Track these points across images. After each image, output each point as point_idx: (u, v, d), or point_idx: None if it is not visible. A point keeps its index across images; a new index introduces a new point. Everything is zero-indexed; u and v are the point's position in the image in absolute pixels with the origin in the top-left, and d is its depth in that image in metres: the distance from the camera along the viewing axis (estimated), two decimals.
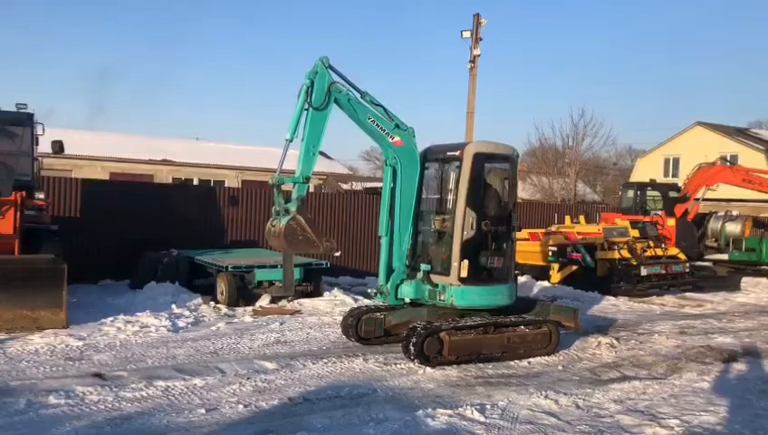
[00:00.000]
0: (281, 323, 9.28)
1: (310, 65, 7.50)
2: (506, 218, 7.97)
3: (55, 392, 5.72)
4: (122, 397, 5.75)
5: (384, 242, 8.13)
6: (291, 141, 7.41)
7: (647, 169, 33.43)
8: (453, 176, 7.99)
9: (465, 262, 7.62)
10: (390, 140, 7.90)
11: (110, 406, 5.53)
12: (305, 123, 7.44)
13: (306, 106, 7.40)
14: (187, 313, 9.46)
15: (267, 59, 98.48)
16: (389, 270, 8.04)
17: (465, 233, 7.58)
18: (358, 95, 7.74)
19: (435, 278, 7.74)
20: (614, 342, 8.75)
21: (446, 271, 7.65)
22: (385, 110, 7.92)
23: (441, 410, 5.57)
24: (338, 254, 9.99)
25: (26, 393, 5.70)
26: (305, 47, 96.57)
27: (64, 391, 5.76)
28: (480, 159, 7.87)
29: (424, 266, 7.82)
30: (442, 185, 8.36)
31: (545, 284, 14.44)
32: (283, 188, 7.53)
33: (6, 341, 7.52)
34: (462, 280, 7.58)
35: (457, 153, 7.80)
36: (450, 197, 8.04)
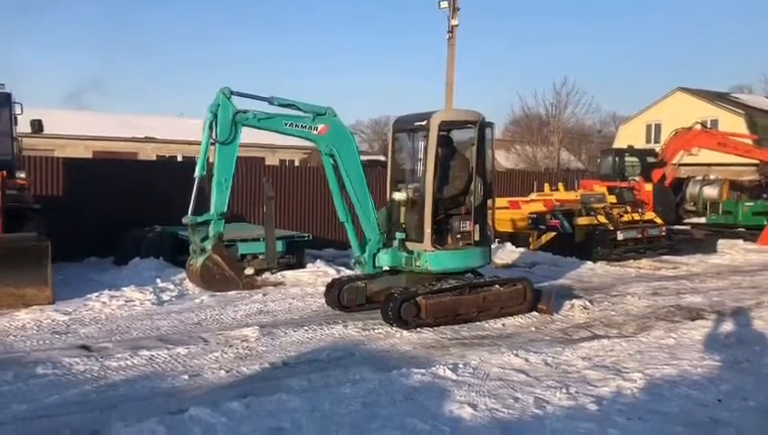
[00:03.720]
0: (264, 295, 9.47)
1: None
2: (477, 183, 8.16)
3: (42, 364, 5.90)
4: (108, 366, 5.95)
5: (347, 226, 8.30)
6: (202, 178, 7.30)
7: (629, 136, 33.65)
8: (421, 145, 8.17)
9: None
10: (315, 132, 7.92)
11: (96, 375, 5.73)
12: (214, 157, 7.32)
13: (212, 141, 7.30)
14: (171, 286, 9.62)
15: (248, 35, 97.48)
16: (363, 243, 8.24)
17: (435, 200, 7.79)
18: (266, 105, 7.62)
19: (409, 245, 7.99)
20: (587, 303, 9.04)
21: (419, 238, 7.88)
22: (298, 106, 7.85)
23: (415, 370, 5.81)
24: (261, 286, 9.72)
25: (14, 365, 5.88)
26: (288, 25, 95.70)
27: (51, 363, 5.95)
28: (446, 128, 8.06)
29: (398, 235, 8.04)
30: (413, 154, 8.56)
31: (526, 250, 14.71)
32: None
33: None
34: (437, 246, 7.82)
35: (424, 123, 7.95)
36: (420, 166, 8.23)
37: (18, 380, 5.53)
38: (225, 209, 7.41)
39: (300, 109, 7.89)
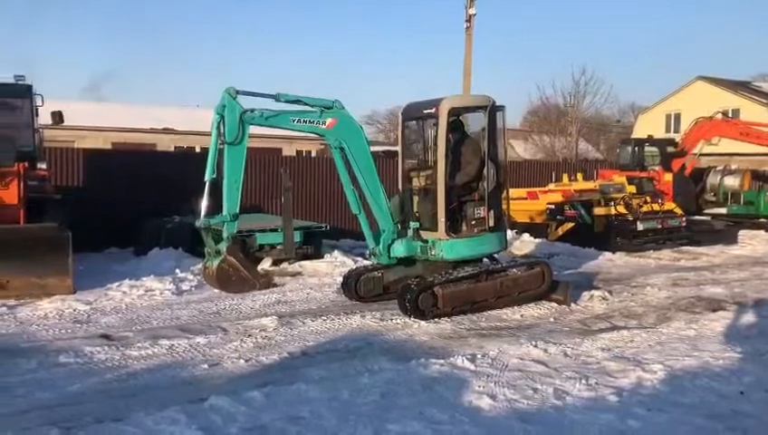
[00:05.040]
0: (282, 285, 9.52)
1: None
2: (490, 168, 8.09)
3: (65, 353, 5.99)
4: (129, 355, 6.02)
5: (361, 218, 8.25)
6: (213, 181, 7.20)
7: (648, 126, 33.27)
8: (431, 133, 8.10)
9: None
10: (324, 126, 7.80)
11: (117, 364, 5.80)
12: (224, 158, 7.21)
13: (221, 142, 7.20)
14: (190, 277, 9.68)
15: (267, 26, 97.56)
16: (377, 235, 8.21)
17: (448, 188, 7.74)
18: (272, 102, 7.55)
19: (424, 234, 7.97)
20: (606, 294, 8.97)
21: (433, 227, 7.86)
22: (304, 101, 7.74)
23: (433, 360, 5.81)
24: (278, 284, 9.47)
25: (37, 354, 5.97)
26: (304, 13, 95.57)
27: (73, 352, 6.03)
28: (456, 114, 7.98)
29: (413, 224, 8.02)
30: (423, 142, 8.50)
31: (544, 241, 14.61)
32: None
33: (16, 307, 7.79)
34: (451, 234, 7.82)
35: (433, 110, 7.87)
36: (431, 153, 8.17)
37: (41, 368, 5.61)
38: (238, 210, 7.34)
39: (307, 104, 7.81)
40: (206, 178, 7.18)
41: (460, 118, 8.28)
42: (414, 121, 8.59)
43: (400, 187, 8.51)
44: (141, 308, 8.02)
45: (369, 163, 8.10)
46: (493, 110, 8.05)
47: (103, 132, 30.48)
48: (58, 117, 10.91)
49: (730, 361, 6.04)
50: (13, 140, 10.07)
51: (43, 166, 10.52)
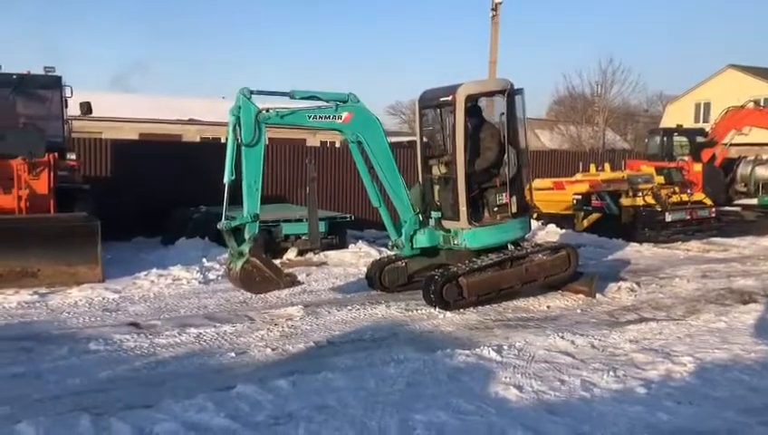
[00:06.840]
0: (307, 275, 9.57)
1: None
2: (511, 153, 7.99)
3: (95, 340, 6.08)
4: (157, 343, 6.09)
5: (382, 210, 8.17)
6: (232, 183, 7.18)
7: (677, 115, 32.78)
8: (449, 120, 7.98)
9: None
10: (340, 121, 7.66)
11: (145, 351, 5.87)
12: (242, 160, 7.13)
13: (237, 143, 7.12)
14: (217, 266, 9.76)
15: (291, 18, 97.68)
16: (398, 226, 8.14)
17: (468, 176, 7.66)
18: (287, 100, 7.46)
19: (446, 224, 7.91)
20: (634, 286, 8.85)
21: (455, 216, 7.79)
22: (319, 96, 7.64)
23: (459, 351, 5.79)
24: (302, 283, 9.20)
25: (68, 341, 6.07)
26: (329, 5, 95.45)
27: (103, 339, 6.13)
28: (473, 100, 7.86)
29: (434, 214, 7.97)
30: (441, 129, 8.39)
31: (570, 232, 14.49)
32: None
33: (47, 294, 7.92)
34: (474, 223, 7.77)
35: (449, 98, 7.75)
36: (450, 141, 8.05)
37: (72, 355, 5.70)
38: (259, 211, 7.35)
39: (321, 99, 7.75)
40: (225, 180, 7.17)
41: (478, 103, 8.17)
42: (431, 109, 8.47)
43: (420, 176, 8.45)
44: (169, 297, 8.12)
45: (387, 155, 8.02)
46: (511, 93, 7.92)
47: (131, 123, 30.80)
48: (86, 108, 11.04)
49: (762, 354, 5.93)
50: (43, 131, 10.22)
51: (73, 156, 10.67)
